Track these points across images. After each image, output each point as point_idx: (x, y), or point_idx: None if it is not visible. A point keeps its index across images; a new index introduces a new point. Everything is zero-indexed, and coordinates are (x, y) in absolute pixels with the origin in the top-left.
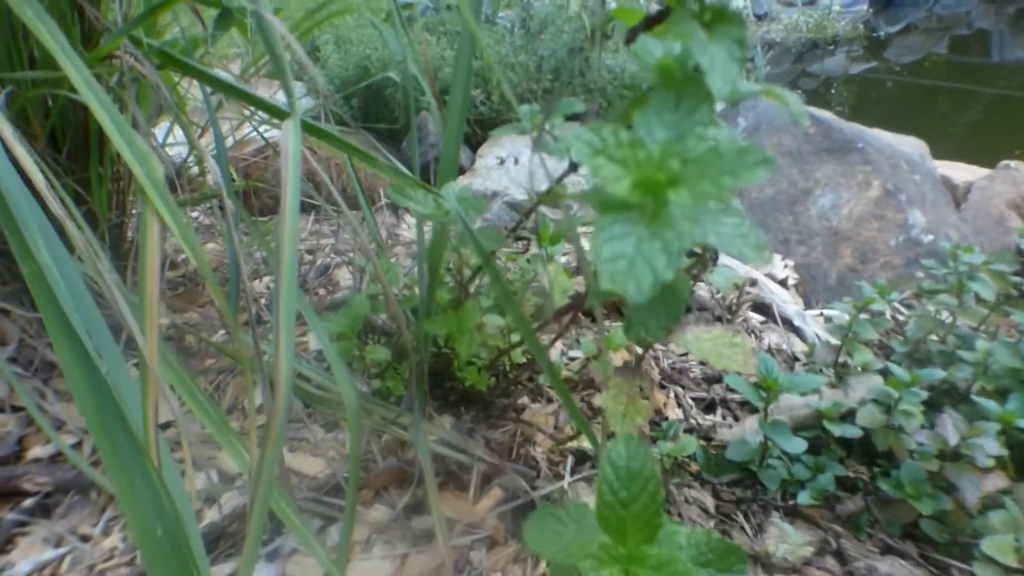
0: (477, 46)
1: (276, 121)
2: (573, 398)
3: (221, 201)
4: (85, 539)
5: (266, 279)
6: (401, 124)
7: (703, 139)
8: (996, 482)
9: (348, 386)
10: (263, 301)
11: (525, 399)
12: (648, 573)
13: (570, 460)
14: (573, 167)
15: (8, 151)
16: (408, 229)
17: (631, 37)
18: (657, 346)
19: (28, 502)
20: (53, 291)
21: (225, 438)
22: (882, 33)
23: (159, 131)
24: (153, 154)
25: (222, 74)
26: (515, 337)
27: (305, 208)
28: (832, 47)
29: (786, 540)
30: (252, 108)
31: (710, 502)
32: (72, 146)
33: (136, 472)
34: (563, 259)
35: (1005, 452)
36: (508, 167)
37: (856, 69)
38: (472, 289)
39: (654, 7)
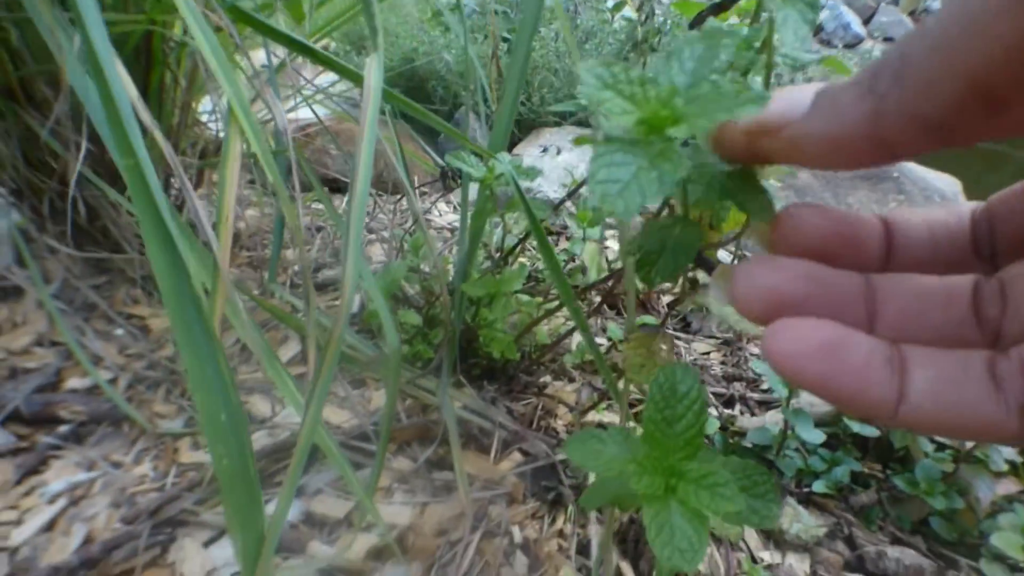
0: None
1: (320, 98)
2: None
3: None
4: (117, 465)
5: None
6: (443, 115)
7: (715, 84)
8: (1009, 487)
9: (390, 324)
10: (295, 267)
11: (548, 378)
12: (687, 485)
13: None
14: None
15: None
16: (440, 216)
17: (696, 23)
18: (679, 343)
19: (63, 428)
20: (148, 184)
21: (276, 372)
22: None
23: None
24: (242, 77)
25: (292, 34)
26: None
27: (341, 188)
28: None
29: (800, 520)
30: (299, 83)
31: None
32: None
33: (207, 359)
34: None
35: (1020, 459)
36: (545, 161)
37: None
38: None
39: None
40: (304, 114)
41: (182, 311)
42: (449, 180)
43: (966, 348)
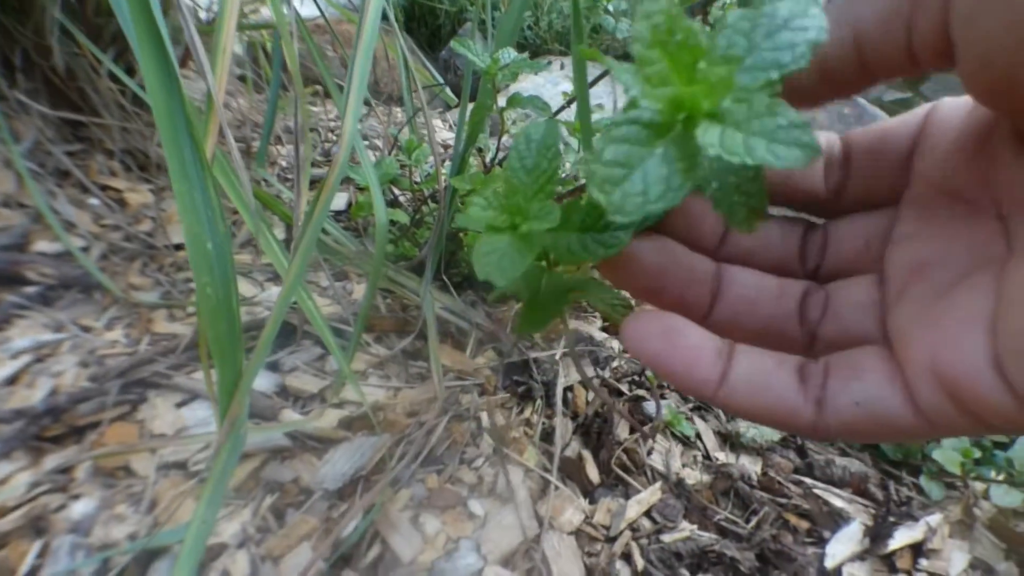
0: None
1: None
2: None
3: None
4: (86, 329)
5: (289, 147)
6: (445, 31)
7: None
8: None
9: (379, 200)
10: (283, 163)
11: None
12: (528, 222)
13: (563, 338)
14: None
15: None
16: (436, 132)
17: None
18: None
19: (29, 290)
20: None
21: (261, 233)
22: None
23: None
24: None
25: None
26: None
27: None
28: None
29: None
30: None
31: None
32: None
33: (196, 185)
34: None
35: None
36: (546, 88)
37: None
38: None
39: None
40: (305, 12)
41: (174, 131)
42: (446, 92)
43: (786, 341)
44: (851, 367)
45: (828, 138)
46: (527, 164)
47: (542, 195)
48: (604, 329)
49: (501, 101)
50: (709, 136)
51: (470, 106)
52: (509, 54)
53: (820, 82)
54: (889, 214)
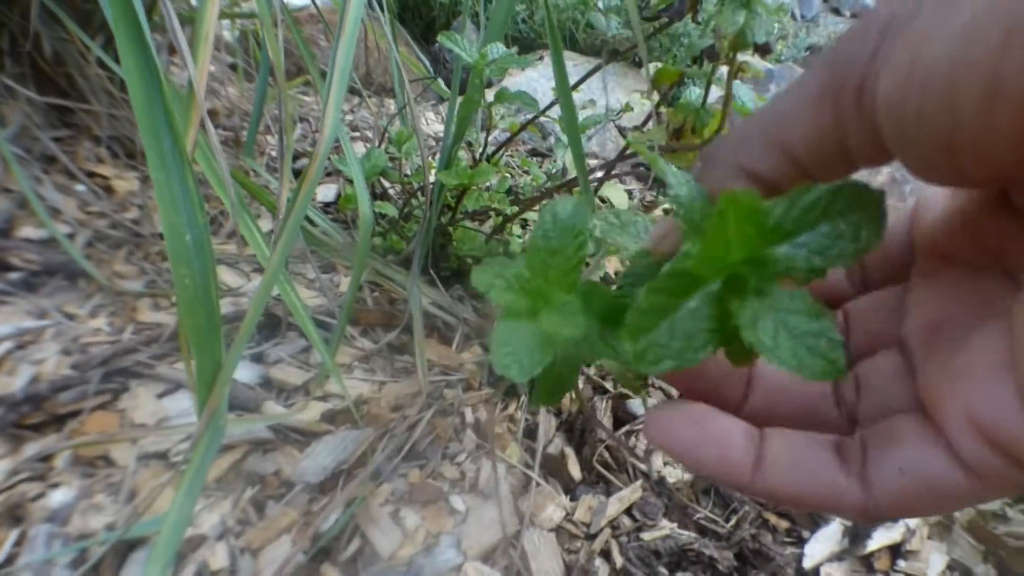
0: None
1: None
2: None
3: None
4: (70, 317)
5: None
6: (440, 24)
7: None
8: None
9: (364, 194)
10: (272, 152)
11: None
12: (549, 311)
13: None
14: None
15: None
16: (427, 125)
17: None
18: None
19: (13, 275)
20: None
21: (245, 224)
22: None
23: None
24: None
25: None
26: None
27: None
28: None
29: None
30: None
31: None
32: None
33: (175, 176)
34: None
35: None
36: (540, 83)
37: None
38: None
39: None
40: (296, 2)
41: (152, 121)
42: (438, 84)
43: (828, 428)
44: (889, 434)
45: None
46: (552, 244)
47: (567, 283)
48: None
49: (492, 95)
50: (745, 315)
51: (459, 100)
52: (497, 49)
53: (766, 192)
54: (904, 287)
